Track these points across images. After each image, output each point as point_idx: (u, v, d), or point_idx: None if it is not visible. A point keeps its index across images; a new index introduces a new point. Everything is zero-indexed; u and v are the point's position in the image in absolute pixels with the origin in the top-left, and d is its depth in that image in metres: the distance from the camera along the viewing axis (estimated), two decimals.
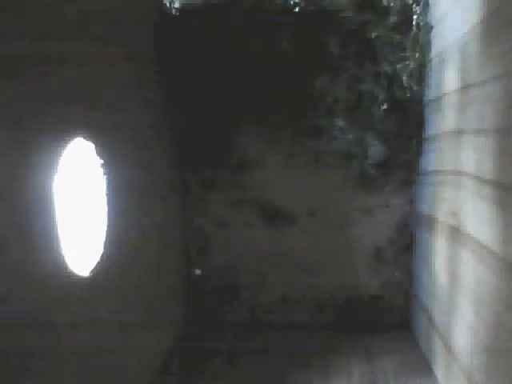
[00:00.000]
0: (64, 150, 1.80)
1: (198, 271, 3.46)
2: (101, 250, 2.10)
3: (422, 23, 3.06)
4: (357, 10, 3.14)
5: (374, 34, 3.13)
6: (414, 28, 3.10)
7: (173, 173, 3.22)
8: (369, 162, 3.29)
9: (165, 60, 3.03)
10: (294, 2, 3.15)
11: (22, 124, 1.55)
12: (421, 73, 3.10)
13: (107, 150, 2.16)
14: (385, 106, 3.19)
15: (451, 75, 2.46)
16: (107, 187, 2.19)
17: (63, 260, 1.77)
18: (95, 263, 2.03)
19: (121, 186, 2.30)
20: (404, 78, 3.14)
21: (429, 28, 3.00)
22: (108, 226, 2.17)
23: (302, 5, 3.15)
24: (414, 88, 3.14)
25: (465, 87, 2.21)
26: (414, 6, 3.09)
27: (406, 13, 3.10)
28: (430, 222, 2.85)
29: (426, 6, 3.05)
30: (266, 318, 3.43)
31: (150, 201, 2.73)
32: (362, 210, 3.34)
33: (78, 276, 1.87)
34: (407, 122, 3.20)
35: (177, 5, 3.17)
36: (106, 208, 2.18)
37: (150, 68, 2.80)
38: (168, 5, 3.16)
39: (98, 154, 2.11)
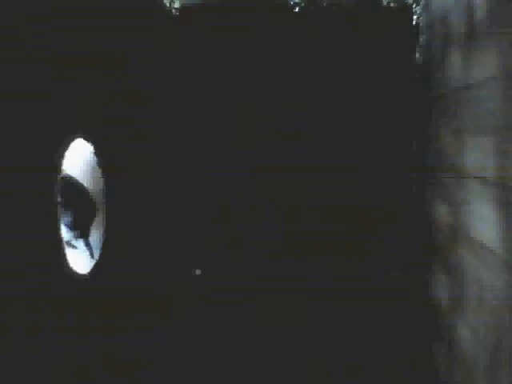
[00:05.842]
0: (64, 150, 1.80)
1: (197, 271, 3.46)
2: (101, 250, 2.10)
3: (421, 23, 3.06)
4: (356, 10, 3.14)
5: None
6: (414, 28, 3.10)
7: (173, 172, 3.22)
8: (368, 161, 3.28)
9: (165, 60, 3.03)
10: (294, 2, 3.15)
11: (22, 124, 1.55)
12: (421, 72, 3.10)
13: (107, 150, 2.16)
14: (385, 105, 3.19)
15: (451, 75, 2.46)
16: (107, 187, 2.19)
17: (63, 260, 1.77)
18: (95, 263, 2.03)
19: (121, 186, 2.30)
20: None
21: (429, 28, 2.99)
22: (108, 226, 2.17)
23: (302, 5, 3.15)
24: (414, 87, 3.14)
25: (465, 87, 2.21)
26: (413, 6, 3.09)
27: (405, 13, 3.11)
28: (430, 222, 2.85)
29: (426, 6, 3.04)
30: None
31: (150, 200, 2.73)
32: (360, 210, 3.34)
33: (78, 276, 1.87)
34: (407, 121, 3.20)
35: (177, 5, 3.17)
36: (105, 208, 2.18)
37: (152, 68, 2.80)
38: (168, 5, 3.15)
39: (98, 154, 2.11)
